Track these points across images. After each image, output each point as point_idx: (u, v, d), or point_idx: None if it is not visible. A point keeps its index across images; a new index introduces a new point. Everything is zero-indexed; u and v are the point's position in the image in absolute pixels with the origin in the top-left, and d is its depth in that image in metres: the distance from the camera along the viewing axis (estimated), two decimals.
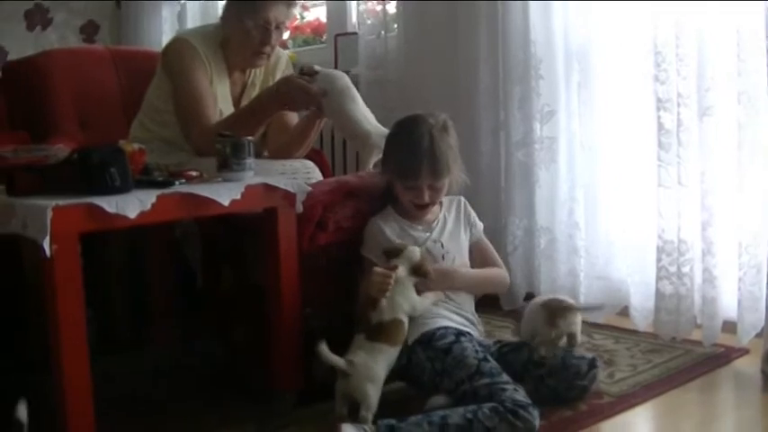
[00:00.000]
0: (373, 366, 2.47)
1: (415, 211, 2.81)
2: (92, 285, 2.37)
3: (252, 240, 2.77)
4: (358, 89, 4.31)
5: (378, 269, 2.57)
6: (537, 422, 2.35)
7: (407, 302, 2.59)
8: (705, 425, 2.62)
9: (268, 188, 2.58)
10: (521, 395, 2.40)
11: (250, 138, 2.64)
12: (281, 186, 2.60)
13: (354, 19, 4.68)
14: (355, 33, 4.54)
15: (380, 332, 2.53)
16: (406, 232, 2.77)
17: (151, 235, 3.06)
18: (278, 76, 3.31)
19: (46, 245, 2.13)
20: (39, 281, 2.70)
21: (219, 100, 3.15)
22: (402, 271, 2.59)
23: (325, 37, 5.03)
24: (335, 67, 4.64)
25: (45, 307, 2.23)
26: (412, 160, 2.73)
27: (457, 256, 2.81)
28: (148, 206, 2.30)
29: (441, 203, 2.89)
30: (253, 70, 3.30)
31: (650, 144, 3.25)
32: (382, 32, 4.32)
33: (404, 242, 2.70)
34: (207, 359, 3.06)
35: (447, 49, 4.00)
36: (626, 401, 2.68)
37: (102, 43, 5.50)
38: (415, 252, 2.64)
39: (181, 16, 5.43)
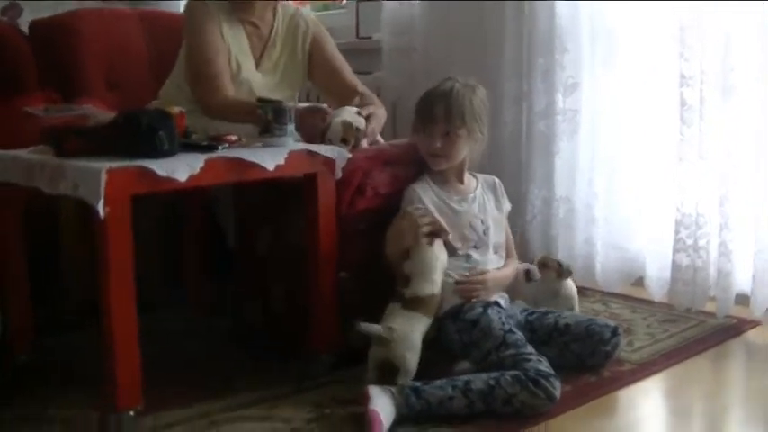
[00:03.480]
0: (411, 334, 2.56)
1: (432, 161, 2.87)
2: None
3: (290, 203, 2.83)
4: (380, 56, 4.42)
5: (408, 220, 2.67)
6: (558, 392, 2.44)
7: (442, 273, 2.68)
8: (719, 393, 2.74)
9: (310, 154, 2.65)
10: (544, 365, 2.48)
11: (291, 103, 2.71)
12: (322, 153, 2.67)
13: None
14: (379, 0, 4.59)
15: (416, 303, 2.61)
16: (444, 202, 2.84)
17: (186, 196, 3.12)
18: (300, 39, 3.32)
19: (100, 207, 2.20)
20: (77, 241, 2.83)
21: (235, 51, 3.16)
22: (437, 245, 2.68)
23: (344, 2, 5.07)
24: (357, 33, 4.71)
25: (95, 267, 2.31)
26: (428, 102, 2.85)
27: (495, 233, 2.90)
28: (197, 170, 2.37)
29: (476, 179, 2.97)
30: (274, 29, 3.28)
31: (672, 119, 3.33)
32: (407, 1, 4.35)
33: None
34: (241, 319, 3.12)
35: (472, 19, 4.03)
36: (646, 369, 2.79)
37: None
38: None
39: None
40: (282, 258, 2.93)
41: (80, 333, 2.79)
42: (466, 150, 2.87)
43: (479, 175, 3.00)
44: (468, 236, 2.84)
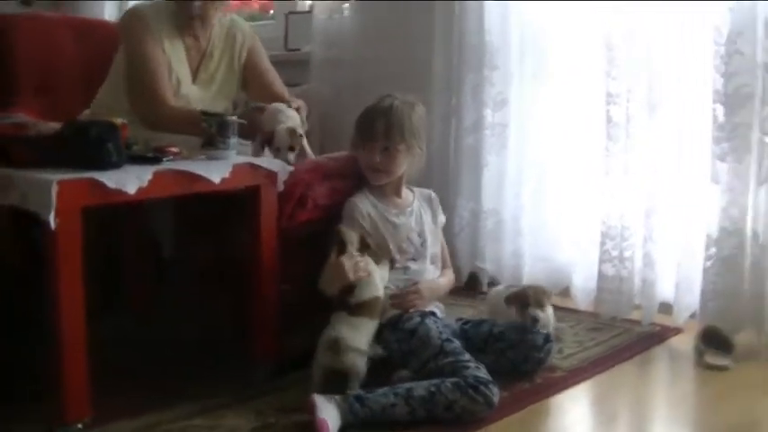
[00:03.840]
0: (358, 340, 2.64)
1: (372, 175, 2.95)
2: None
3: (230, 214, 2.88)
4: (308, 68, 4.47)
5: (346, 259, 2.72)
6: (496, 398, 2.53)
7: (382, 280, 2.77)
8: (644, 398, 2.87)
9: (253, 167, 2.71)
10: (482, 372, 2.57)
11: (234, 117, 2.75)
12: (265, 166, 2.72)
13: None
14: (309, 12, 4.64)
15: (362, 308, 2.70)
16: (382, 215, 2.92)
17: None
18: (237, 51, 3.35)
19: (51, 219, 2.22)
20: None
21: (175, 65, 3.18)
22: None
23: (272, 12, 5.11)
24: (285, 45, 4.76)
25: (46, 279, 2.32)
26: (368, 118, 2.94)
27: (431, 245, 2.99)
28: (146, 182, 2.40)
29: (413, 192, 3.06)
30: (210, 41, 3.30)
31: (599, 135, 3.47)
32: (337, 14, 4.42)
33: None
34: (179, 330, 3.14)
35: (402, 34, 4.14)
36: (577, 375, 2.91)
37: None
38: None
39: None
40: (222, 269, 2.97)
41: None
42: (405, 165, 2.95)
43: (416, 189, 3.09)
44: (405, 248, 2.93)
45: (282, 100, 3.26)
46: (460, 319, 2.99)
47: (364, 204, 2.91)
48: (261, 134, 2.96)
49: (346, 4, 4.42)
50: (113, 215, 3.19)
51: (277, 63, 3.58)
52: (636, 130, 3.36)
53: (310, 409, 2.40)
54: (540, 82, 3.73)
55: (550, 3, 3.64)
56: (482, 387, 2.50)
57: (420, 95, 3.87)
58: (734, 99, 3.04)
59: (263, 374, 2.78)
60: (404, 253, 2.92)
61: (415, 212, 3.01)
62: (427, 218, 3.03)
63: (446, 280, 3.04)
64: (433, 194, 3.13)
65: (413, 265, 2.91)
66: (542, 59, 3.72)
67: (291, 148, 2.90)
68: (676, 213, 3.33)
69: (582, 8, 3.56)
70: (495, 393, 2.52)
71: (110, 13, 5.23)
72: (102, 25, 4.41)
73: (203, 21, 3.21)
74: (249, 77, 3.39)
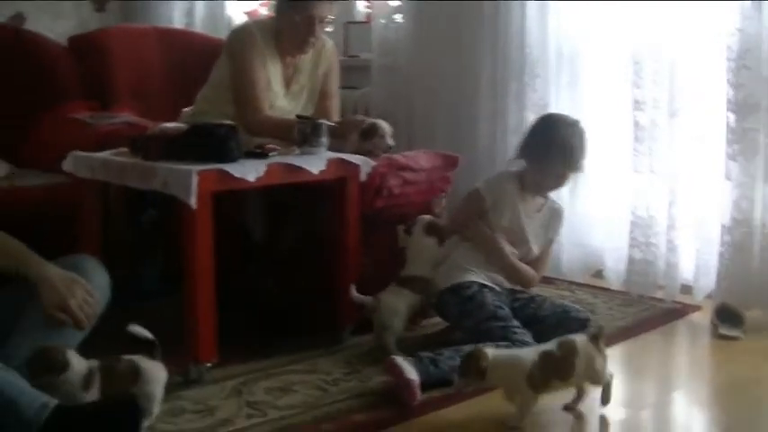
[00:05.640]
0: (396, 304, 3.20)
1: (536, 191, 3.37)
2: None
3: (316, 201, 3.41)
4: (366, 73, 4.97)
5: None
6: None
7: (432, 264, 3.31)
8: (668, 359, 3.45)
9: (342, 161, 3.25)
10: (528, 338, 3.03)
11: (325, 120, 3.29)
12: (352, 160, 3.26)
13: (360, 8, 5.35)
14: (367, 22, 5.15)
15: (406, 282, 3.26)
16: (515, 203, 3.31)
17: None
18: (322, 62, 3.80)
19: (192, 201, 2.77)
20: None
21: (272, 81, 3.64)
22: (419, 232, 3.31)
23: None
24: (345, 51, 5.26)
25: (184, 249, 2.87)
26: (574, 150, 3.30)
27: (533, 245, 3.37)
28: (262, 173, 2.95)
29: (545, 199, 3.44)
30: (301, 56, 3.75)
31: (627, 137, 3.99)
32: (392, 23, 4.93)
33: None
34: (270, 302, 3.63)
35: (453, 43, 4.61)
36: (608, 340, 3.33)
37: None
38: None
39: None
40: (309, 247, 3.50)
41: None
42: None
43: (549, 197, 3.46)
44: (513, 241, 3.32)
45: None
46: (512, 294, 3.35)
47: (512, 184, 3.32)
48: (361, 127, 3.53)
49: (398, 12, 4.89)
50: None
51: (340, 68, 3.98)
52: (659, 133, 3.87)
53: (393, 369, 2.82)
54: (575, 89, 4.24)
55: (584, 20, 4.16)
56: None
57: (468, 100, 4.47)
58: (743, 107, 3.54)
59: (348, 334, 3.31)
60: (510, 244, 3.32)
61: (541, 220, 3.41)
62: (543, 230, 3.42)
63: (527, 269, 3.37)
64: (560, 209, 3.49)
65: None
66: (577, 70, 4.23)
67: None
68: (695, 205, 3.85)
69: (612, 25, 4.08)
70: None
71: (179, 15, 5.60)
72: (187, 35, 4.96)
73: (313, 44, 3.67)
74: (320, 91, 3.84)
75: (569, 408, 2.77)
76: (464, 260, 3.28)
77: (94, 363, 2.42)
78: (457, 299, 3.21)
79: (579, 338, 2.74)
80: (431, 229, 3.33)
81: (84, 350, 2.46)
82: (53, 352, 2.34)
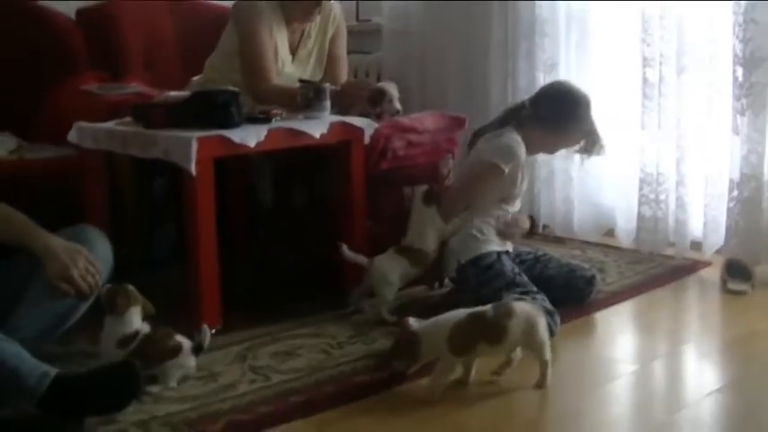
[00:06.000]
0: (388, 270, 3.18)
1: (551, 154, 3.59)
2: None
3: (321, 164, 3.43)
4: (378, 37, 4.98)
5: None
6: (558, 328, 2.98)
7: (434, 236, 3.25)
8: (677, 314, 3.47)
9: (345, 124, 3.26)
10: (548, 303, 3.04)
11: (328, 84, 3.30)
12: (355, 123, 3.28)
13: None
14: None
15: (404, 251, 3.23)
16: (523, 164, 3.30)
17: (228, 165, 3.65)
18: (329, 28, 3.82)
19: (192, 168, 2.79)
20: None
21: (279, 48, 3.66)
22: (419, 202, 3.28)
23: None
24: (357, 16, 5.25)
25: (186, 215, 2.90)
26: (590, 115, 3.36)
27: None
28: (262, 138, 2.97)
29: None
30: (309, 23, 3.76)
31: (636, 94, 3.98)
32: None
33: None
34: (279, 264, 3.70)
35: (463, 6, 4.62)
36: (618, 296, 3.46)
37: None
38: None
39: None
40: (316, 210, 3.52)
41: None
42: None
43: None
44: (519, 193, 3.37)
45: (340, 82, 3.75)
46: (518, 257, 3.39)
47: (522, 151, 3.27)
48: (370, 92, 3.55)
49: None
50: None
51: (351, 32, 4.03)
52: (668, 89, 3.86)
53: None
54: (584, 49, 4.23)
55: None
56: (548, 318, 2.89)
57: (479, 61, 4.47)
58: (751, 61, 3.52)
59: (354, 297, 3.32)
60: (516, 198, 3.37)
61: (530, 165, 3.51)
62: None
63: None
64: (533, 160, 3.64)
65: (517, 203, 3.39)
66: (586, 28, 4.23)
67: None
68: (703, 161, 3.84)
69: None
70: (558, 323, 2.99)
71: None
72: (197, 6, 4.95)
73: (319, 12, 3.67)
74: (327, 54, 3.85)
75: (496, 373, 2.68)
76: (479, 231, 3.25)
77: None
78: (476, 269, 3.20)
79: (521, 303, 2.67)
80: (429, 198, 3.28)
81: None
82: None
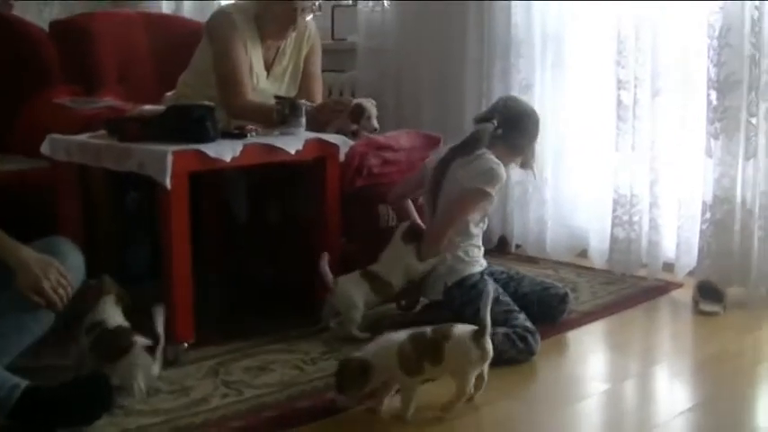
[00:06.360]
0: (353, 292, 3.17)
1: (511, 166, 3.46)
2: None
3: (295, 181, 3.42)
4: (353, 56, 5.00)
5: None
6: (538, 347, 2.99)
7: (403, 273, 3.24)
8: (650, 334, 3.49)
9: (320, 141, 3.25)
10: (529, 323, 3.05)
11: (304, 101, 3.30)
12: (330, 140, 3.27)
13: None
14: (353, 5, 5.16)
15: (368, 277, 3.22)
16: None
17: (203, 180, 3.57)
18: (304, 46, 3.80)
19: (167, 181, 2.77)
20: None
21: (254, 64, 3.64)
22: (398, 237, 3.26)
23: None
24: (332, 34, 5.27)
25: (160, 229, 2.88)
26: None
27: None
28: (238, 153, 2.95)
29: None
30: (285, 40, 3.73)
31: (610, 116, 4.00)
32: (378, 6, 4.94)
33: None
34: (253, 279, 3.69)
35: (438, 24, 4.63)
36: (591, 316, 3.47)
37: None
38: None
39: None
40: (291, 226, 3.51)
41: None
42: None
43: None
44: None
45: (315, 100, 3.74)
46: (490, 276, 3.33)
47: (503, 170, 3.23)
48: (350, 109, 3.51)
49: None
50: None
51: (326, 51, 4.02)
52: (642, 111, 3.88)
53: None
54: (560, 69, 4.25)
55: (568, 1, 4.17)
56: (529, 337, 2.96)
57: (454, 81, 4.48)
58: (725, 85, 3.54)
59: (325, 314, 3.28)
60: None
61: None
62: None
63: None
64: None
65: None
66: (561, 50, 4.25)
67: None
68: (677, 183, 3.86)
69: (595, 5, 4.10)
70: (538, 342, 3.00)
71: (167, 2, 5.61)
72: (172, 20, 4.96)
73: (294, 30, 3.66)
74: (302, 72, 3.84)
75: (469, 399, 2.63)
76: (465, 253, 3.24)
77: None
78: (461, 290, 3.19)
79: (461, 327, 2.61)
80: (410, 236, 3.26)
81: None
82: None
